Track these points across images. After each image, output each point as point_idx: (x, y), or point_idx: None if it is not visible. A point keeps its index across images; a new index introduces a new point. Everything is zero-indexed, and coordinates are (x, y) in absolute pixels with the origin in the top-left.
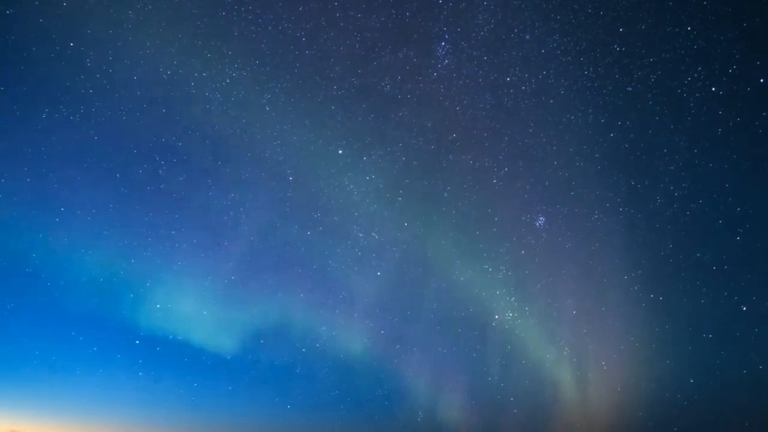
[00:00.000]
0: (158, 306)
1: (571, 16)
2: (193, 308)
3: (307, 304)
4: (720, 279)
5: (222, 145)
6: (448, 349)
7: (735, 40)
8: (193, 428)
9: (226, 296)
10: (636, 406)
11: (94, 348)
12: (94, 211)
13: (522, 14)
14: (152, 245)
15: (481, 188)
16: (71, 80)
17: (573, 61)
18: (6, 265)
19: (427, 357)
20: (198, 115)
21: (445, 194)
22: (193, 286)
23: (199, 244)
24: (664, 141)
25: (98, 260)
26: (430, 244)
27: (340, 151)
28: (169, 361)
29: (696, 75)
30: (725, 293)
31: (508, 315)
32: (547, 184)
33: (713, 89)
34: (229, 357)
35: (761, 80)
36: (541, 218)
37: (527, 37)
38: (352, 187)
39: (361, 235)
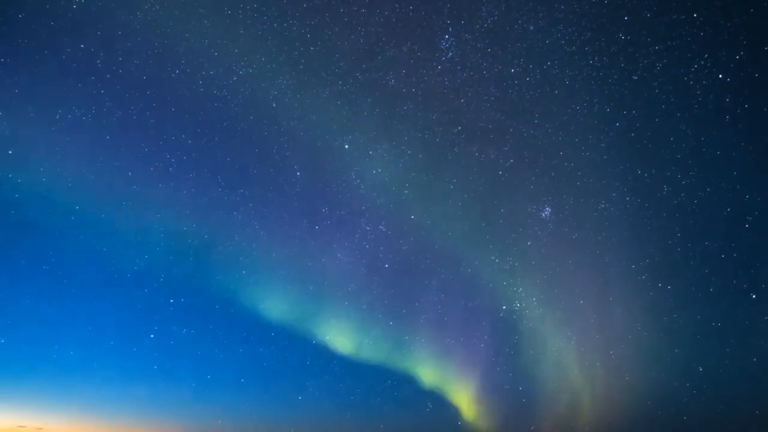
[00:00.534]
0: (171, 301)
1: (575, 6)
2: (206, 303)
3: (316, 297)
4: (729, 267)
5: (230, 142)
6: (456, 340)
7: (742, 26)
8: (207, 419)
9: (236, 290)
10: (645, 395)
11: (110, 342)
12: (107, 209)
13: (525, 5)
14: (164, 241)
15: (486, 180)
16: (82, 81)
17: (577, 50)
18: (24, 263)
19: (436, 348)
20: (206, 113)
21: (451, 186)
22: (205, 281)
23: (209, 240)
24: (670, 129)
25: (112, 257)
26: (436, 236)
27: (347, 146)
28: (182, 354)
29: (703, 62)
30: (734, 281)
31: (516, 305)
32: (552, 174)
33: (720, 76)
34: (241, 350)
35: None
36: (547, 209)
37: (531, 27)
38: (358, 181)
39: (368, 228)
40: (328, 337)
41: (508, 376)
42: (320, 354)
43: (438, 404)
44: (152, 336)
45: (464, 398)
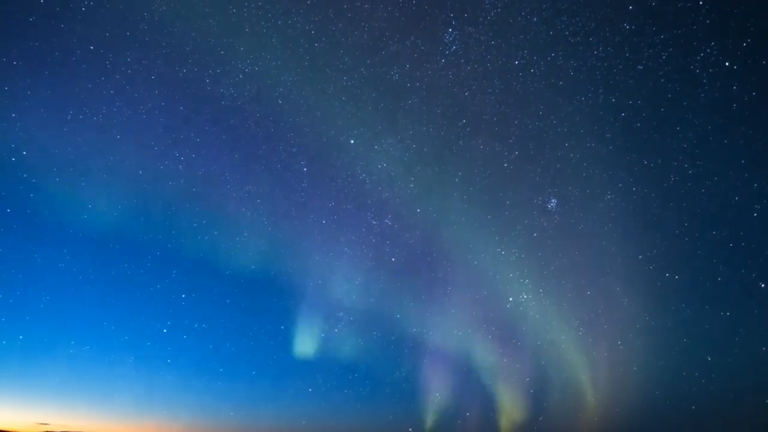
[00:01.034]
0: (183, 296)
1: None
2: (218, 298)
3: (324, 291)
4: (737, 256)
5: (237, 139)
6: (464, 331)
7: (749, 13)
8: (219, 411)
9: (246, 285)
10: (653, 385)
11: (125, 337)
12: (119, 207)
13: None
14: (175, 238)
15: (492, 172)
16: (93, 82)
17: (582, 41)
18: (40, 261)
19: (443, 339)
20: (214, 111)
21: (457, 179)
22: (215, 277)
23: (219, 237)
24: (677, 118)
25: (124, 254)
26: (443, 229)
27: (352, 141)
28: (195, 348)
29: (709, 50)
30: (742, 270)
31: (523, 297)
32: (558, 166)
33: (727, 64)
34: (252, 343)
35: None
36: (553, 200)
37: (534, 19)
38: (364, 175)
39: (374, 222)
40: (335, 330)
41: (515, 368)
42: (329, 347)
43: (446, 394)
44: (165, 331)
45: (472, 389)
